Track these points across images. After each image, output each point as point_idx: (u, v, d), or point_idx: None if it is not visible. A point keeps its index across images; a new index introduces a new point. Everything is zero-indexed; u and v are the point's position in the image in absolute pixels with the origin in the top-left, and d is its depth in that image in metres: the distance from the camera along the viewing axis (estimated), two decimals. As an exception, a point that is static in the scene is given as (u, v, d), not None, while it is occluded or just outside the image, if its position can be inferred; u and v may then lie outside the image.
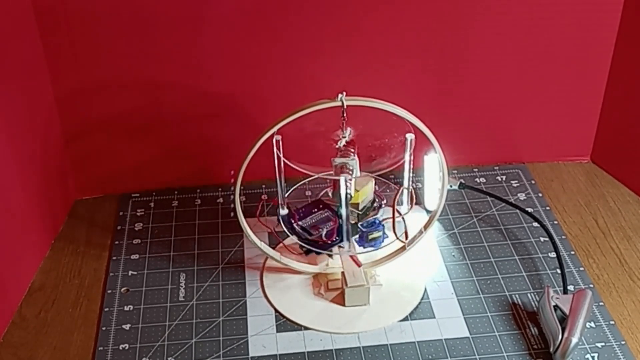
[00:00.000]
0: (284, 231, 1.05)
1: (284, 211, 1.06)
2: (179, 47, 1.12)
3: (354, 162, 0.95)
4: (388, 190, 1.15)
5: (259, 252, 1.06)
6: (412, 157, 1.01)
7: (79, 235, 1.16)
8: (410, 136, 0.98)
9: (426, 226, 1.05)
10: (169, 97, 1.16)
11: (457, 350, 0.96)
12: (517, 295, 1.03)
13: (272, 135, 0.93)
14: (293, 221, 1.04)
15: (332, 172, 0.96)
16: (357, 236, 1.05)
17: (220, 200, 1.22)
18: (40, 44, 1.08)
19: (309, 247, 1.03)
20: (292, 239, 1.05)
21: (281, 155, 0.98)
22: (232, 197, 1.21)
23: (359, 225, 1.04)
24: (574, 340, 0.92)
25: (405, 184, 1.06)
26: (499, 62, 1.18)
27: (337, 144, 0.96)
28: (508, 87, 1.21)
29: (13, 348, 0.98)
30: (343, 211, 0.99)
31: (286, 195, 1.06)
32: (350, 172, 0.95)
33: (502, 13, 1.13)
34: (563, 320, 0.95)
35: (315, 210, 1.06)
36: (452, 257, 1.10)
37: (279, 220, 1.06)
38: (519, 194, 1.22)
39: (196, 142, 1.21)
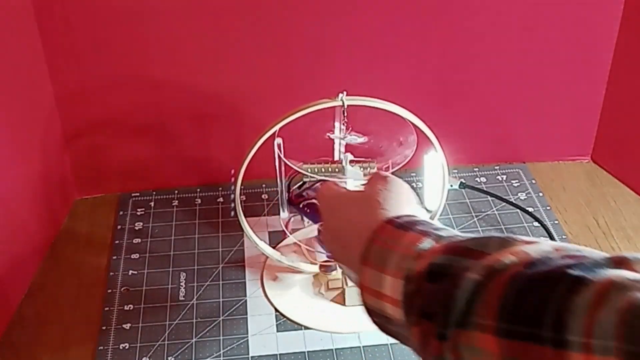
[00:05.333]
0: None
1: (284, 214, 1.05)
2: (179, 47, 1.12)
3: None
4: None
5: (259, 252, 1.06)
6: None
7: (79, 235, 1.16)
8: None
9: (426, 226, 1.05)
10: (169, 97, 1.16)
11: (457, 349, 0.96)
12: (517, 295, 1.03)
13: (272, 136, 0.93)
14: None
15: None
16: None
17: (220, 200, 1.22)
18: (40, 44, 1.08)
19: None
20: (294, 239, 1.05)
21: (282, 157, 0.97)
22: (232, 196, 1.20)
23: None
24: (575, 339, 0.92)
25: None
26: (499, 61, 1.18)
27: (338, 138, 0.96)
28: (508, 86, 1.21)
29: (13, 347, 0.98)
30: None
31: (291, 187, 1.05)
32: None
33: (502, 13, 1.13)
34: (563, 319, 0.95)
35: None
36: (452, 257, 1.10)
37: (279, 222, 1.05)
38: (519, 194, 1.22)
39: (196, 142, 1.21)
